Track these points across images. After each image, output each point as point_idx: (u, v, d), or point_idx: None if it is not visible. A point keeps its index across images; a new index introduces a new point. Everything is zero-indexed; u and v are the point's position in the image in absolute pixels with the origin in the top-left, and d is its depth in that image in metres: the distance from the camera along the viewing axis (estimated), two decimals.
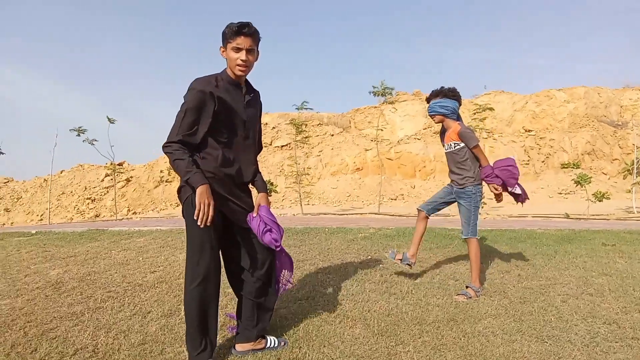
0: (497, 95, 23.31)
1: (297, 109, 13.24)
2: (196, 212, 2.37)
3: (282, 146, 20.56)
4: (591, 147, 20.16)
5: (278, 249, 2.82)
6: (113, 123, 13.85)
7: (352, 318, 3.30)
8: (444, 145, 4.21)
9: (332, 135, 21.92)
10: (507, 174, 4.02)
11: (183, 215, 2.61)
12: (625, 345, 2.82)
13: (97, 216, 18.89)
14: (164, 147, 2.49)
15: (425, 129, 22.12)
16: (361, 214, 11.31)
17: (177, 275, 4.51)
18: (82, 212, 19.07)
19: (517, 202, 4.32)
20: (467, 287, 3.92)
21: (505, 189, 4.08)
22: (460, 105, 4.14)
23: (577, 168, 10.75)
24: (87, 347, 2.90)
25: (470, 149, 4.00)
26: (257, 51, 2.66)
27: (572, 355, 2.68)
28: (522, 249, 5.38)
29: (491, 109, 12.61)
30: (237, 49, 2.56)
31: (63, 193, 20.59)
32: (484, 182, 4.09)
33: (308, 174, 18.01)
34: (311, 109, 13.78)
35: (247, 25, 2.55)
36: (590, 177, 10.81)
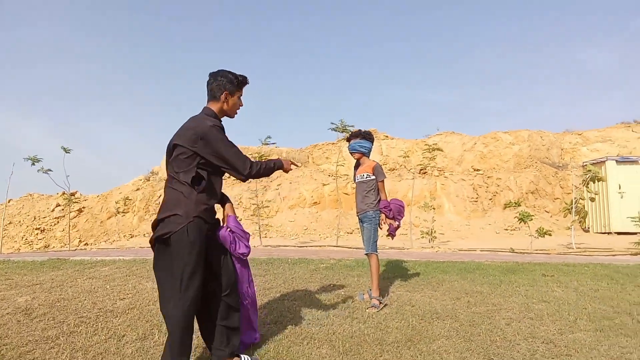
0: (448, 136, 24.50)
1: (262, 143, 13.54)
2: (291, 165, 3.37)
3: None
4: (534, 187, 21.38)
5: (245, 257, 3.10)
6: (68, 153, 13.61)
7: (318, 339, 3.56)
8: (355, 177, 5.11)
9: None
10: (398, 210, 4.95)
11: (170, 243, 2.78)
12: None
13: (46, 247, 18.22)
14: (250, 169, 2.95)
15: (381, 165, 22.84)
16: (320, 246, 11.59)
17: (146, 302, 4.64)
18: (30, 243, 18.35)
19: (388, 235, 5.05)
20: (371, 299, 4.60)
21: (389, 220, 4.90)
22: (372, 145, 5.12)
23: (519, 206, 11.48)
24: None
25: (377, 181, 4.90)
26: None
27: None
28: (471, 279, 5.82)
29: (439, 149, 13.38)
30: (240, 97, 3.09)
31: (10, 223, 19.76)
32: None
33: (267, 207, 18.18)
34: (274, 143, 14.10)
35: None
36: (533, 215, 11.60)
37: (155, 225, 2.87)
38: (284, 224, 18.68)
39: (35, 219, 20.04)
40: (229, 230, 3.05)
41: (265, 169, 3.07)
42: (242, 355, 3.11)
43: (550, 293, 5.17)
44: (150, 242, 2.91)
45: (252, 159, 3.06)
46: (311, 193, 20.21)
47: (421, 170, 21.40)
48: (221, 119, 3.05)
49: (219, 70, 3.06)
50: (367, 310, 4.38)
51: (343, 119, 11.76)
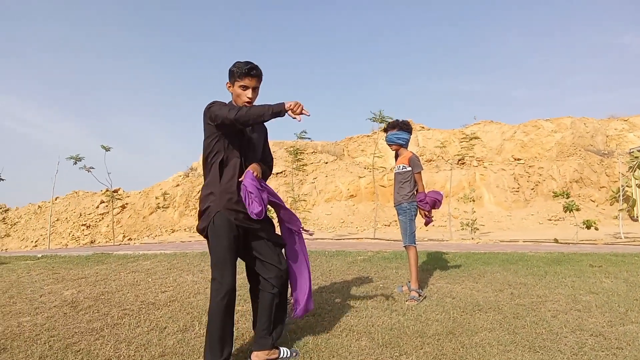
0: (487, 125, 23.92)
1: (297, 137, 13.61)
2: (295, 106, 2.67)
3: (278, 173, 20.87)
4: (579, 175, 20.65)
5: (259, 217, 2.89)
6: (108, 150, 14.11)
7: (357, 332, 3.53)
8: (394, 168, 5.00)
9: (326, 163, 22.30)
10: (433, 202, 4.83)
11: (206, 236, 2.91)
12: (611, 354, 3.06)
13: (92, 242, 18.92)
14: (235, 113, 2.72)
15: (418, 156, 22.55)
16: (357, 238, 11.56)
17: (187, 295, 4.72)
18: (77, 239, 19.10)
19: (426, 225, 5.03)
20: (410, 291, 4.56)
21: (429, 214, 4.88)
22: (410, 135, 5.00)
23: (567, 197, 11.08)
24: (111, 359, 3.10)
25: (414, 173, 4.81)
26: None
27: None
28: (514, 270, 5.66)
29: (477, 137, 13.09)
30: (245, 87, 2.94)
31: (58, 220, 20.62)
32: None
33: (304, 200, 18.25)
34: (309, 138, 14.15)
35: (255, 67, 2.95)
36: (578, 205, 11.17)
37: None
38: (320, 217, 18.74)
39: (81, 215, 20.79)
40: (245, 189, 2.89)
41: (252, 111, 2.74)
42: (281, 348, 3.11)
43: (599, 284, 4.96)
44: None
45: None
46: (347, 186, 20.17)
47: (459, 160, 20.99)
48: None
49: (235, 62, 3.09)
50: (406, 303, 4.32)
51: (382, 110, 11.65)
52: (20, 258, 7.73)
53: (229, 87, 3.03)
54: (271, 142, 21.25)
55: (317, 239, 12.01)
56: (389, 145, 5.01)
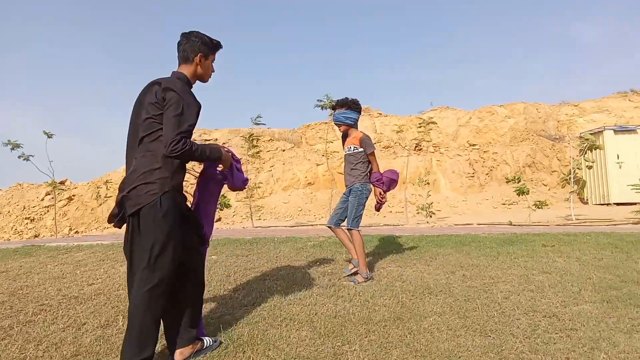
0: (443, 111, 24.04)
1: (253, 122, 13.16)
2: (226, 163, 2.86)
3: (250, 157, 20.25)
4: (531, 160, 21.04)
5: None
6: (50, 137, 13.18)
7: (298, 321, 3.23)
8: (344, 149, 4.72)
9: (284, 150, 21.86)
10: (389, 182, 4.62)
11: (150, 220, 2.47)
12: (565, 335, 2.88)
13: (36, 236, 17.88)
14: (179, 138, 2.44)
15: (375, 143, 22.42)
16: (312, 225, 11.27)
17: (116, 287, 4.29)
18: (20, 233, 17.99)
19: (377, 209, 4.80)
20: (356, 273, 4.37)
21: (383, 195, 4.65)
22: (360, 115, 4.72)
23: (519, 181, 11.15)
24: None
25: (367, 154, 4.55)
26: None
27: (514, 347, 2.71)
28: (466, 252, 5.49)
29: (434, 122, 13.07)
30: (213, 62, 2.88)
31: (0, 213, 19.40)
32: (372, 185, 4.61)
33: (259, 188, 17.81)
34: (264, 124, 13.72)
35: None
36: (529, 189, 11.26)
37: (119, 202, 2.56)
38: (278, 206, 18.34)
39: (25, 208, 19.65)
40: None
41: (196, 151, 2.58)
42: (204, 338, 2.79)
43: (551, 264, 4.84)
44: (111, 218, 2.64)
45: (195, 141, 2.64)
46: (305, 173, 19.83)
47: (416, 146, 21.03)
48: (193, 84, 2.80)
49: (192, 31, 2.80)
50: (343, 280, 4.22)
51: (329, 94, 11.31)
52: None
53: (201, 58, 2.76)
54: (225, 129, 20.56)
55: (270, 226, 11.66)
56: (337, 125, 4.72)
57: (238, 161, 3.03)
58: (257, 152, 14.32)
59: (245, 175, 3.06)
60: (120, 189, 2.58)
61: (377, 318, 3.25)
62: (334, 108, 4.81)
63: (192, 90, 2.72)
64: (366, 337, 2.92)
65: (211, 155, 2.72)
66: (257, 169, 20.05)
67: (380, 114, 24.16)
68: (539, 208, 11.05)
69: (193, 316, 2.73)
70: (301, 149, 22.16)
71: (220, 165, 2.92)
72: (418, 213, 11.42)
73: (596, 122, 22.70)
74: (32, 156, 12.70)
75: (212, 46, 2.83)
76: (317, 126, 24.33)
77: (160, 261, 2.44)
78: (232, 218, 17.14)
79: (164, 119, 2.48)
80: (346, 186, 4.67)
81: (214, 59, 2.90)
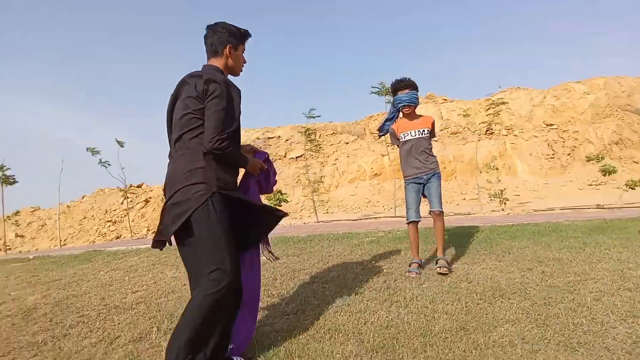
0: (513, 92, 22.51)
1: (307, 116, 12.90)
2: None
3: (297, 157, 20.19)
4: (618, 137, 19.19)
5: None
6: (122, 146, 13.88)
7: (344, 332, 2.81)
8: (407, 133, 4.28)
9: (347, 143, 21.45)
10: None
11: (195, 220, 2.30)
12: None
13: (118, 237, 18.82)
14: (225, 136, 2.33)
15: (442, 130, 21.45)
16: (375, 218, 10.76)
17: (158, 295, 4.09)
18: (104, 235, 19.02)
19: None
20: (440, 259, 4.05)
21: None
22: None
23: (602, 159, 9.99)
24: None
25: (432, 138, 4.38)
26: None
27: None
28: (546, 243, 4.78)
29: (504, 103, 12.13)
30: (243, 53, 2.71)
31: (85, 217, 20.61)
32: None
33: (322, 182, 17.53)
34: (319, 116, 13.41)
35: None
36: (615, 168, 10.07)
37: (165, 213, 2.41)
38: (345, 199, 18.01)
39: (107, 212, 20.74)
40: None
41: (232, 155, 2.43)
42: (234, 358, 2.44)
43: None
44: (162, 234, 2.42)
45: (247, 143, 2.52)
46: (370, 165, 19.34)
47: (487, 130, 19.80)
48: (225, 77, 2.57)
49: (217, 23, 2.64)
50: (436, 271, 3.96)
51: (383, 81, 10.88)
52: (12, 261, 7.29)
53: (230, 49, 2.60)
54: (287, 126, 20.52)
55: (333, 220, 11.28)
56: (405, 107, 4.27)
57: (271, 167, 2.94)
58: (317, 145, 13.99)
59: (274, 179, 2.99)
60: (165, 194, 2.43)
61: (437, 328, 2.75)
62: (395, 90, 4.34)
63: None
64: (422, 352, 2.46)
65: (239, 163, 2.56)
66: (321, 162, 19.81)
67: (445, 99, 23.07)
68: (632, 188, 9.83)
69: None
70: (365, 140, 21.64)
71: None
72: (491, 200, 10.55)
73: None
74: (109, 164, 13.43)
75: (240, 36, 2.65)
76: (379, 117, 23.69)
77: (225, 262, 2.27)
78: (300, 212, 17.01)
79: (206, 113, 2.33)
80: (416, 173, 4.26)
81: (244, 49, 2.73)
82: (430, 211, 4.21)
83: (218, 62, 2.58)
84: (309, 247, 5.55)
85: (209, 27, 2.62)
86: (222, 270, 2.24)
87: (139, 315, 3.56)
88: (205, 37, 2.62)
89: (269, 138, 21.15)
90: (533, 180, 17.92)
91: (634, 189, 9.80)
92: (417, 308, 3.15)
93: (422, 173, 4.20)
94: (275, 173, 3.01)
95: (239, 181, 2.69)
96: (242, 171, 2.72)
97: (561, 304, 3.01)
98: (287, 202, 11.79)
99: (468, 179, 17.71)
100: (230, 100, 2.38)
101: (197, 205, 2.26)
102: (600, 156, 10.13)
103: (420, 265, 4.14)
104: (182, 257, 2.47)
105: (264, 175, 2.85)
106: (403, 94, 4.25)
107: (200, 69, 2.56)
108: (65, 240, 19.75)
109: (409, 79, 4.29)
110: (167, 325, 3.24)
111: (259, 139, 21.34)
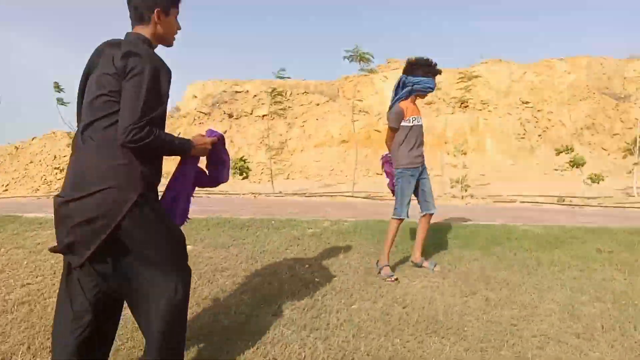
0: (494, 64, 21.94)
1: (276, 76, 12.16)
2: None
3: (264, 116, 19.37)
4: (591, 121, 19.04)
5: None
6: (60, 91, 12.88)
7: None
8: (411, 119, 3.98)
9: (318, 104, 20.70)
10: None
11: (125, 230, 1.85)
12: None
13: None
14: (144, 124, 1.82)
15: None
16: (332, 195, 10.30)
17: (51, 291, 3.50)
18: (49, 183, 18.01)
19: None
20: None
21: None
22: None
23: (571, 151, 9.72)
24: None
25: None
26: None
27: None
28: (497, 257, 4.38)
29: (476, 76, 11.70)
30: (176, 16, 2.18)
31: (31, 162, 19.45)
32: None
33: (282, 149, 16.92)
34: (289, 77, 12.72)
35: None
36: (584, 159, 9.80)
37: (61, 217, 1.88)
38: (308, 164, 17.48)
39: (55, 157, 19.63)
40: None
41: (159, 144, 1.90)
42: None
43: (608, 284, 3.71)
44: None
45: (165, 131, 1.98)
46: (339, 130, 18.76)
47: (462, 103, 19.34)
48: (154, 48, 2.11)
49: None
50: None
51: (358, 44, 10.28)
52: None
53: (159, 14, 2.06)
54: (257, 81, 19.44)
55: (284, 194, 10.76)
56: (427, 94, 4.10)
57: (225, 152, 2.40)
58: (282, 109, 13.31)
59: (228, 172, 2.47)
60: (64, 193, 1.88)
61: None
62: (429, 73, 3.95)
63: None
64: None
65: (178, 150, 2.06)
66: (289, 124, 19.10)
67: None
68: (595, 182, 9.62)
69: None
70: (337, 103, 20.90)
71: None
72: (452, 186, 10.20)
73: None
74: (69, 103, 12.51)
75: None
76: (355, 78, 22.88)
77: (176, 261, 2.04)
78: (261, 176, 16.41)
79: (123, 95, 1.84)
80: (419, 162, 4.04)
81: (178, 12, 2.19)
82: (425, 213, 4.09)
83: (145, 30, 2.07)
84: (244, 237, 5.02)
85: None
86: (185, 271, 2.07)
87: (17, 321, 3.00)
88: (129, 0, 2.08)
89: (237, 92, 20.18)
90: (501, 160, 17.73)
91: (597, 183, 9.60)
92: (338, 343, 2.70)
93: (421, 164, 4.04)
94: (230, 159, 2.49)
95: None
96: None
97: (500, 351, 2.60)
98: (248, 171, 11.19)
99: (437, 154, 17.36)
100: (156, 81, 1.88)
101: (120, 216, 1.82)
102: (569, 148, 9.83)
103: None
104: (89, 288, 1.94)
105: (215, 156, 2.32)
106: (429, 79, 3.93)
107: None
108: (7, 185, 18.65)
109: (436, 64, 3.99)
110: (40, 341, 2.70)
111: (225, 91, 20.36)
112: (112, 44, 1.98)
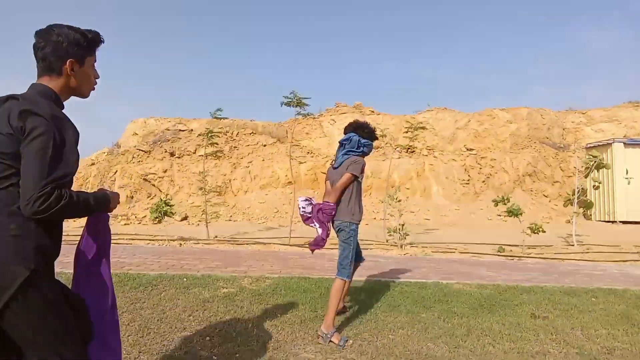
0: (440, 112, 22.42)
1: (212, 116, 11.70)
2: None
3: (207, 156, 18.72)
4: (532, 169, 19.53)
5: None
6: None
7: None
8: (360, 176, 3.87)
9: (265, 145, 20.31)
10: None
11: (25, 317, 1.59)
12: None
13: None
14: (50, 190, 1.57)
15: None
16: (265, 243, 9.72)
17: None
18: None
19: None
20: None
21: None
22: None
23: (507, 202, 9.68)
24: None
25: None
26: None
27: None
28: (425, 324, 3.94)
29: (423, 128, 11.80)
30: (94, 65, 1.94)
31: None
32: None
33: (226, 189, 16.30)
34: (226, 117, 12.31)
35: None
36: (520, 210, 9.77)
37: None
38: (252, 206, 16.88)
39: None
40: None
41: (77, 205, 1.68)
42: None
43: (541, 358, 3.34)
44: None
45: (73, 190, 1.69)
46: (286, 172, 18.32)
47: (409, 148, 19.46)
48: (65, 100, 1.86)
49: (51, 27, 1.83)
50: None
51: (295, 90, 10.23)
52: None
53: (73, 65, 1.81)
54: (204, 120, 18.78)
55: (214, 241, 10.12)
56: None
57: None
58: (219, 151, 12.82)
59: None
60: None
61: None
62: (373, 139, 4.12)
63: (64, 111, 1.80)
64: None
65: (98, 206, 1.82)
66: (234, 164, 18.53)
67: (372, 111, 22.55)
68: (535, 233, 9.54)
69: None
70: (284, 144, 20.58)
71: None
72: (390, 235, 9.89)
73: (604, 133, 21.18)
74: None
75: (86, 44, 1.87)
76: (304, 121, 22.78)
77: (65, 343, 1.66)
78: (201, 216, 15.57)
79: (22, 161, 1.60)
80: (357, 223, 3.82)
81: (95, 60, 1.95)
82: (359, 263, 4.10)
83: (53, 83, 1.81)
84: (145, 299, 4.36)
85: (38, 34, 1.82)
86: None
87: None
88: (36, 46, 1.81)
89: (180, 130, 19.49)
90: (446, 205, 17.77)
91: (537, 233, 9.52)
92: None
93: (359, 221, 3.86)
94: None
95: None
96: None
97: None
98: (173, 214, 10.46)
99: (382, 197, 17.22)
100: (62, 144, 1.64)
101: (7, 297, 1.54)
102: (506, 198, 9.77)
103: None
104: None
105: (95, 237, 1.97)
106: (372, 143, 4.07)
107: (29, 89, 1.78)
108: None
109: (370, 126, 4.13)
110: None
111: (168, 130, 19.65)
112: (9, 98, 1.71)
